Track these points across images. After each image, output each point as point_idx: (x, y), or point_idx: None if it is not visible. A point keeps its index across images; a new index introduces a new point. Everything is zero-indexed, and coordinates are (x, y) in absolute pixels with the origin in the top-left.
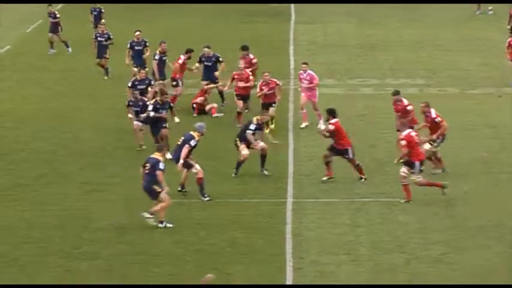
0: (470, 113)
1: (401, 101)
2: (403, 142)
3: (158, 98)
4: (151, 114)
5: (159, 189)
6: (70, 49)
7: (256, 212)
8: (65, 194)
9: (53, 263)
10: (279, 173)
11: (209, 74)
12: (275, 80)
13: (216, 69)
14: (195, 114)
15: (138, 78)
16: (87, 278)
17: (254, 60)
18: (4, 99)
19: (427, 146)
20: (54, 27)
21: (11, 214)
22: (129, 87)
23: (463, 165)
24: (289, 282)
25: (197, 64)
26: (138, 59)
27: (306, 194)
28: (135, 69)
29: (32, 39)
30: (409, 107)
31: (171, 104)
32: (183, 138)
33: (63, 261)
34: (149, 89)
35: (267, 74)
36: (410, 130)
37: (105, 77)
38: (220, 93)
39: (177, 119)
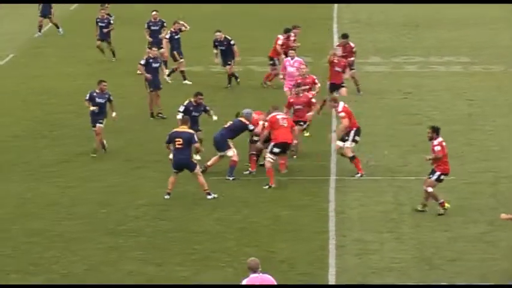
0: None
1: None
2: None
3: (192, 99)
4: (179, 116)
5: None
6: (61, 30)
7: (299, 190)
8: (108, 171)
9: (96, 239)
10: (322, 151)
11: (225, 57)
12: (313, 76)
13: (231, 53)
14: None
15: (151, 56)
16: (131, 255)
17: (355, 49)
18: (49, 75)
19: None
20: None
21: (54, 190)
22: (141, 64)
23: (506, 143)
24: (331, 260)
25: (214, 50)
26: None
27: (349, 171)
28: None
29: (75, 18)
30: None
31: (207, 108)
32: (231, 122)
33: (107, 238)
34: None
35: (304, 66)
36: None
37: (113, 59)
38: (230, 76)
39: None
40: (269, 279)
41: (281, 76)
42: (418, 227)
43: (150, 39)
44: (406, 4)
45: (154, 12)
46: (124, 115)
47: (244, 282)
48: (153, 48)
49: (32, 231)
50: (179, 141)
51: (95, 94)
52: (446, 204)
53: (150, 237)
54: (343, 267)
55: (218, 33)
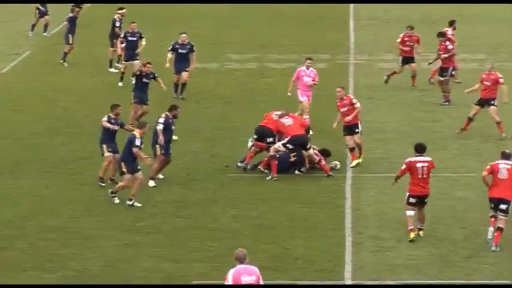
0: None
1: None
2: None
3: (168, 113)
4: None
5: (125, 170)
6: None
7: (315, 187)
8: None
9: (113, 236)
10: (338, 148)
11: (182, 63)
12: (350, 96)
13: (189, 59)
14: None
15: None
16: (148, 252)
17: (450, 47)
18: (64, 73)
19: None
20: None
21: (71, 187)
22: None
23: None
24: (348, 257)
25: (169, 54)
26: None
27: (365, 168)
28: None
29: (91, 15)
30: None
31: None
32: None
33: (124, 235)
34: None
35: (339, 89)
36: None
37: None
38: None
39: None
40: (254, 271)
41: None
42: (435, 224)
43: (168, 64)
44: (423, 3)
45: (183, 35)
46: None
47: (230, 272)
48: (148, 65)
49: (48, 228)
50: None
51: (112, 120)
52: (412, 235)
53: (167, 235)
54: (360, 264)
55: (183, 35)
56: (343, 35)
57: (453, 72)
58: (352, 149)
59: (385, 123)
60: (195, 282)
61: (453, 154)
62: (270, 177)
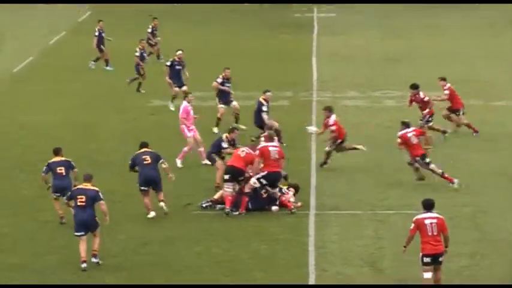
0: (492, 125)
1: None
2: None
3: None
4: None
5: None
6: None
7: (278, 223)
8: None
9: (76, 273)
10: (302, 185)
11: (180, 78)
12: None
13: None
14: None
15: None
16: None
17: (426, 99)
18: (28, 110)
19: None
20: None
21: (34, 225)
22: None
23: (484, 178)
24: None
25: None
26: (179, 79)
27: (328, 206)
28: (176, 89)
29: (55, 51)
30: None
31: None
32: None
33: (88, 272)
34: None
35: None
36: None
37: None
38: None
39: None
40: None
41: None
42: (399, 260)
43: (169, 80)
44: (385, 39)
45: (179, 52)
46: (106, 148)
47: None
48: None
49: (10, 265)
50: (80, 198)
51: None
52: None
53: (130, 271)
54: None
55: (179, 52)
56: (305, 72)
57: (430, 119)
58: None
59: (349, 157)
60: None
61: (416, 191)
62: (237, 212)
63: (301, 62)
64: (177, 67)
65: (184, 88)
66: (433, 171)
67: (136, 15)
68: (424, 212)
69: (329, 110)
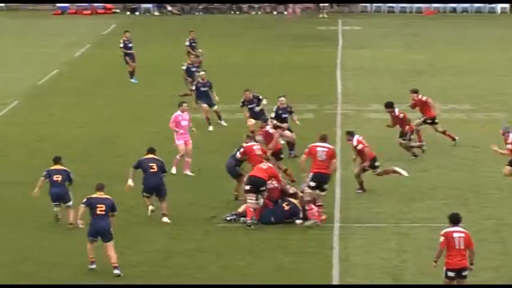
0: None
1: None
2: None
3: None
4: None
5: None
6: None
7: (303, 236)
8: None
9: (98, 284)
10: (326, 198)
11: (209, 97)
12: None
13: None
14: None
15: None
16: None
17: (401, 116)
18: (51, 122)
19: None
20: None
21: (59, 236)
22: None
23: (502, 190)
24: None
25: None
26: (207, 98)
27: (353, 219)
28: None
29: (79, 64)
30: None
31: None
32: None
33: (107, 282)
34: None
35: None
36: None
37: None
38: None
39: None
40: None
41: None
42: (422, 274)
43: (196, 105)
44: (409, 51)
45: (202, 73)
46: (127, 161)
47: None
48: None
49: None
50: (100, 207)
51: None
52: None
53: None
54: None
55: (202, 73)
56: (330, 85)
57: (411, 136)
58: None
59: (369, 174)
60: None
61: (441, 204)
62: (249, 220)
63: (325, 75)
64: (202, 88)
65: (215, 108)
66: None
67: (161, 26)
68: (451, 226)
69: (349, 133)
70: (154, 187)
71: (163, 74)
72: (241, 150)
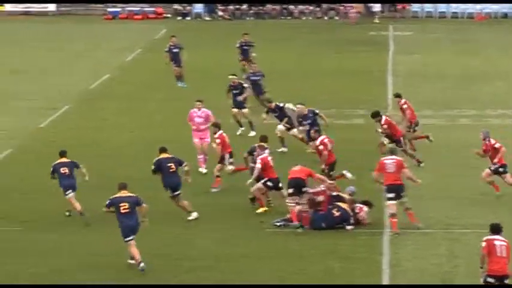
0: None
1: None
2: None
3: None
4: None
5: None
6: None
7: (353, 242)
8: (163, 221)
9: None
10: (376, 204)
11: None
12: None
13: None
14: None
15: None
16: None
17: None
18: (103, 127)
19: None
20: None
21: (109, 239)
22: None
23: None
24: None
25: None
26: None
27: (403, 224)
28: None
29: (131, 68)
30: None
31: None
32: None
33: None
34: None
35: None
36: None
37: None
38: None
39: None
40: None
41: None
42: (473, 279)
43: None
44: (460, 57)
45: (233, 76)
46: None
47: None
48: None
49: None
50: (124, 206)
51: None
52: None
53: None
54: None
55: (233, 76)
56: (380, 90)
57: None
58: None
59: (424, 178)
60: None
61: (492, 210)
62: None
63: (376, 80)
64: (234, 91)
65: (245, 111)
66: None
67: (212, 31)
68: (492, 235)
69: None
70: (175, 186)
71: (213, 79)
72: (260, 161)
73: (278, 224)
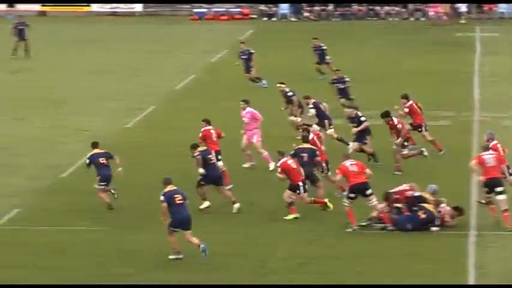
0: None
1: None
2: None
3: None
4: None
5: None
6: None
7: (438, 244)
8: (247, 222)
9: None
10: (462, 205)
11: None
12: None
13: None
14: None
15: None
16: None
17: (399, 125)
18: (188, 128)
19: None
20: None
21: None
22: None
23: None
24: None
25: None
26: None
27: (489, 226)
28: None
29: (216, 69)
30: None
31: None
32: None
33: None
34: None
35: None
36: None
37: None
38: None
39: None
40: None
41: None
42: None
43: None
44: None
45: (280, 85)
46: (260, 167)
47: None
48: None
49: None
50: (178, 197)
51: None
52: None
53: None
54: None
55: (281, 85)
56: (467, 91)
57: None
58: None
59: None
60: None
61: None
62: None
63: (463, 81)
64: (289, 93)
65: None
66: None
67: (297, 32)
68: None
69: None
70: (216, 179)
71: (297, 79)
72: (279, 169)
73: (363, 223)
